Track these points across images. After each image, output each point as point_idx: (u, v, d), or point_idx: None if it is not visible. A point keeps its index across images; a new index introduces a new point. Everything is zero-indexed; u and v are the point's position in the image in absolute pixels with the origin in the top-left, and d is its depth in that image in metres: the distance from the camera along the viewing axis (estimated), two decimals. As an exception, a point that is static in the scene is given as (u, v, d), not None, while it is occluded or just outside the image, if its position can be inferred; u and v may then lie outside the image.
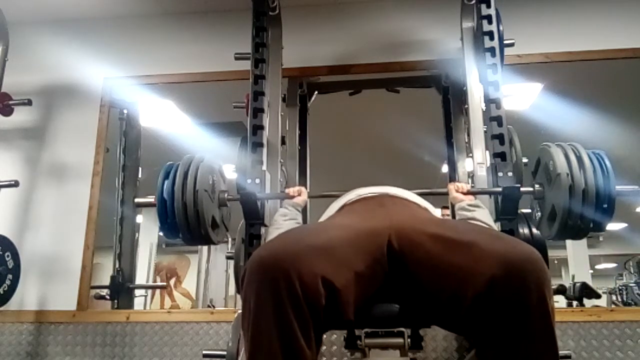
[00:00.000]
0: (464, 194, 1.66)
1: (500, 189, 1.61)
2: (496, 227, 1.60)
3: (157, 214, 1.61)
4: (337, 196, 1.64)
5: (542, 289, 0.98)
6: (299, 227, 1.51)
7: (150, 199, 1.66)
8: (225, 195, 1.74)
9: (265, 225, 1.78)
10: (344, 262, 1.10)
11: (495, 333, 1.01)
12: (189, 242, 1.66)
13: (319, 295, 1.00)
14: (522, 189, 1.64)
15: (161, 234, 1.72)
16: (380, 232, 1.20)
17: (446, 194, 1.72)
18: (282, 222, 1.60)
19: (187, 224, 1.58)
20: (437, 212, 1.60)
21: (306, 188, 2.45)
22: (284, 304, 0.97)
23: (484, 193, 1.70)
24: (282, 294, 0.97)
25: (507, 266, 1.00)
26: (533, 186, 1.65)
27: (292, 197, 1.74)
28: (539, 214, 1.71)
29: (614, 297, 5.49)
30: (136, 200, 1.81)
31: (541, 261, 1.02)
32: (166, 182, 1.61)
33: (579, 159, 1.52)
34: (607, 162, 1.53)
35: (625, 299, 5.10)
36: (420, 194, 1.62)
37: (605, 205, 1.49)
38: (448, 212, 2.38)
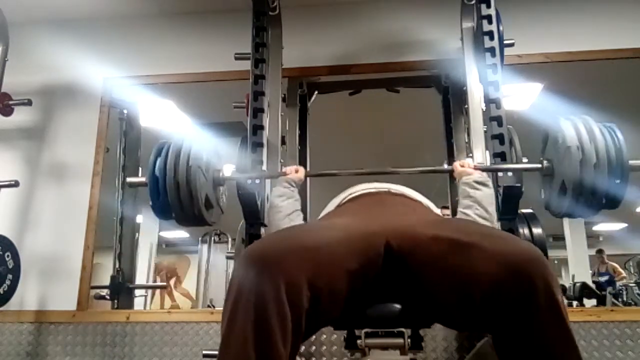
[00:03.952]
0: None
1: (508, 166, 1.57)
2: (496, 213, 1.55)
3: (149, 193, 1.54)
4: (337, 175, 1.64)
5: (550, 285, 0.98)
6: (293, 226, 1.50)
7: (142, 178, 1.60)
8: (220, 174, 1.67)
9: (265, 225, 1.78)
10: (334, 263, 1.09)
11: (509, 331, 1.00)
12: (181, 222, 1.60)
13: (302, 296, 1.00)
14: (529, 165, 1.59)
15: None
16: (377, 233, 1.19)
17: (450, 171, 1.69)
18: (280, 203, 1.58)
19: (179, 202, 1.51)
20: (437, 211, 1.59)
21: (306, 188, 2.46)
22: (265, 299, 0.96)
23: (490, 170, 1.65)
24: (264, 289, 0.97)
25: (510, 268, 1.00)
26: (541, 162, 1.57)
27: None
28: (547, 193, 1.62)
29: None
30: (128, 179, 1.72)
31: (543, 258, 1.02)
32: (158, 159, 1.54)
33: (590, 132, 1.45)
34: (619, 135, 1.46)
35: (625, 299, 5.10)
36: (424, 172, 1.59)
37: (618, 180, 1.42)
38: (448, 211, 2.38)
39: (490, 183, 1.55)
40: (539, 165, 1.57)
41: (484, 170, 1.62)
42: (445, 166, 2.25)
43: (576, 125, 1.47)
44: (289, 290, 0.98)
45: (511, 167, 1.61)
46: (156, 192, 1.52)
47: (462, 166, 1.63)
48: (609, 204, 1.45)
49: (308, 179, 2.52)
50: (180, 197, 1.50)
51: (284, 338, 0.97)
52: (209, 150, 1.65)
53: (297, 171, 1.71)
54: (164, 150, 1.56)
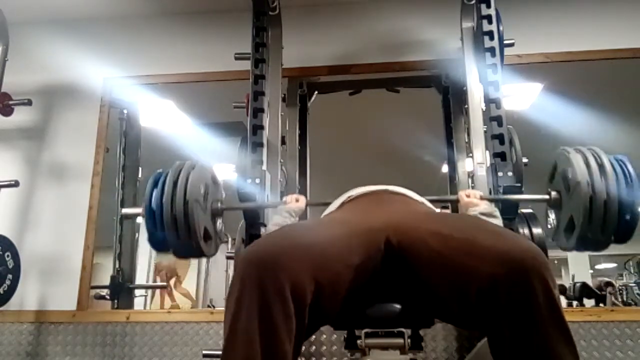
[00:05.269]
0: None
1: (512, 197, 1.56)
2: None
3: (145, 226, 1.49)
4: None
5: (547, 283, 0.98)
6: (293, 224, 1.50)
7: (138, 209, 1.55)
8: (219, 205, 1.61)
9: (265, 225, 1.78)
10: (336, 259, 1.10)
11: (505, 328, 1.00)
12: (179, 256, 1.56)
13: (306, 292, 1.01)
14: (536, 196, 1.56)
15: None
16: (377, 230, 1.20)
17: (456, 200, 1.64)
18: None
19: (177, 236, 1.46)
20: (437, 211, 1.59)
21: (306, 188, 2.46)
22: (269, 296, 0.97)
23: (496, 200, 1.63)
24: (268, 287, 0.97)
25: (508, 264, 1.00)
26: (549, 193, 1.53)
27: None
28: (554, 223, 1.58)
29: (613, 297, 5.49)
30: (123, 211, 1.67)
31: (542, 255, 1.01)
32: (155, 191, 1.49)
33: (601, 167, 1.40)
34: (631, 169, 1.41)
35: (625, 299, 5.10)
36: (429, 201, 1.56)
37: (629, 217, 1.37)
38: (448, 211, 2.38)
39: (497, 213, 1.52)
40: (547, 197, 1.53)
41: (490, 200, 1.59)
42: (445, 168, 2.25)
43: (586, 159, 1.42)
44: (292, 287, 0.98)
45: (517, 198, 1.60)
46: (153, 226, 1.48)
47: (468, 196, 1.59)
48: (619, 239, 1.42)
49: (308, 178, 2.53)
50: (178, 232, 1.45)
51: (289, 335, 0.97)
52: (207, 178, 1.59)
53: (297, 200, 1.68)
54: (160, 182, 1.50)
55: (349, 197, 1.53)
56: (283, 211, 1.63)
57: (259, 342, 0.94)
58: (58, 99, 2.85)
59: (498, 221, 1.49)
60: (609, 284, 4.82)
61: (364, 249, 1.16)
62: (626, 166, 1.42)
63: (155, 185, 1.50)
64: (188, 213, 1.44)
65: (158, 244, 1.50)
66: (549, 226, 1.61)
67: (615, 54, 2.58)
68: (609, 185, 1.37)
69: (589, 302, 4.29)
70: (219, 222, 1.65)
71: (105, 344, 2.41)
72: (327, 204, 1.68)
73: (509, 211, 1.63)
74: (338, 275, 1.09)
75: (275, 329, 0.96)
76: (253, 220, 1.76)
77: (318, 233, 1.18)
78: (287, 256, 1.02)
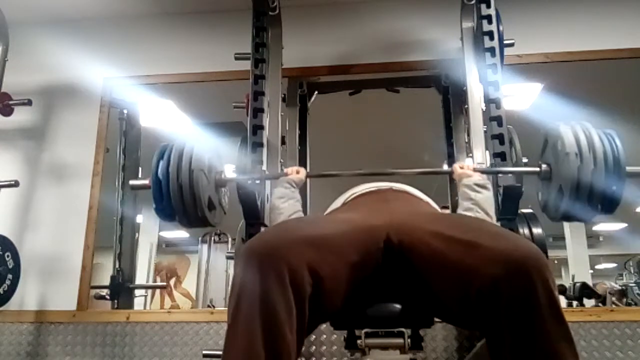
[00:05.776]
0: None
1: (507, 169, 1.60)
2: (495, 216, 1.56)
3: (152, 196, 1.56)
4: (337, 176, 1.67)
5: (548, 284, 0.98)
6: (295, 218, 1.53)
7: (145, 180, 1.61)
8: (222, 176, 1.68)
9: (265, 225, 1.78)
10: (335, 254, 1.11)
11: (506, 329, 1.00)
12: (185, 225, 1.61)
13: (304, 282, 1.02)
14: (528, 168, 1.60)
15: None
16: (378, 227, 1.21)
17: (449, 173, 1.68)
18: (281, 205, 1.58)
19: (182, 205, 1.52)
20: (438, 209, 1.60)
21: (306, 187, 2.46)
22: (269, 284, 0.98)
23: (490, 172, 1.66)
24: (268, 276, 0.98)
25: (509, 265, 1.00)
26: (540, 166, 1.57)
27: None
28: (544, 197, 1.63)
29: (613, 298, 5.49)
30: (131, 182, 1.72)
31: (541, 256, 1.02)
32: (161, 162, 1.56)
33: (589, 139, 1.45)
34: (618, 142, 1.46)
35: (625, 299, 5.10)
36: (423, 173, 1.59)
37: (615, 187, 1.43)
38: (448, 211, 2.38)
39: (490, 185, 1.56)
40: (537, 169, 1.58)
41: (483, 172, 1.63)
42: (445, 167, 2.25)
43: (575, 132, 1.47)
44: (292, 276, 0.99)
45: (509, 170, 1.62)
46: (159, 195, 1.54)
47: (462, 168, 1.64)
48: (605, 209, 1.47)
49: (308, 179, 2.53)
50: (184, 200, 1.52)
51: (290, 325, 0.98)
52: (211, 152, 1.66)
53: (298, 172, 1.72)
54: (166, 154, 1.57)
55: (352, 194, 1.54)
56: (284, 182, 1.67)
57: (261, 333, 0.95)
58: (58, 99, 2.85)
59: (490, 193, 1.53)
60: (621, 293, 4.80)
61: (363, 247, 1.17)
62: (614, 140, 1.47)
63: (161, 156, 1.57)
64: (193, 182, 1.51)
65: (164, 214, 1.55)
66: (539, 199, 1.65)
67: (615, 54, 2.58)
68: (596, 157, 1.42)
69: (589, 302, 4.29)
70: (223, 192, 1.71)
71: (105, 344, 2.41)
72: (328, 176, 1.70)
73: (509, 211, 1.64)
74: (336, 271, 1.10)
75: (276, 317, 0.97)
76: (253, 219, 1.76)
77: (319, 228, 1.19)
78: (287, 247, 1.04)
